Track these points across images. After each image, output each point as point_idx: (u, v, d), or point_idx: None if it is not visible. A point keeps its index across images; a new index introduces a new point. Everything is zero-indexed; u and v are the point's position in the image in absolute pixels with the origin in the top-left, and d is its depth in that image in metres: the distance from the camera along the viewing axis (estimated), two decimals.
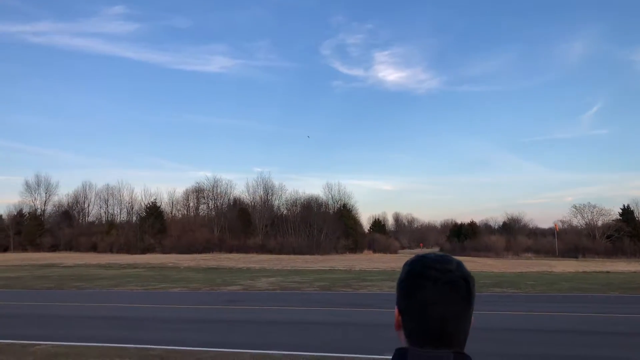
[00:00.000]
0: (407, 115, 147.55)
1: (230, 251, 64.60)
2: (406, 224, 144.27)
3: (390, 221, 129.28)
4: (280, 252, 61.89)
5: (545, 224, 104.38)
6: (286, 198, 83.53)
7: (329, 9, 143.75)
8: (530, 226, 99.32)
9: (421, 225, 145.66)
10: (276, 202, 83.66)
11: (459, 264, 1.27)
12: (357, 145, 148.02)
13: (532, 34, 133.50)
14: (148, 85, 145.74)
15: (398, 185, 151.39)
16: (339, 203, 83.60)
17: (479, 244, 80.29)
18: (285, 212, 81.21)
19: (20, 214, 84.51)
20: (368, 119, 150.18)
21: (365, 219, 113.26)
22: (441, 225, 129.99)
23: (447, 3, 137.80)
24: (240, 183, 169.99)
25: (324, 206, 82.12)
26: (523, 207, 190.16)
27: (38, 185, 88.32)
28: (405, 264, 1.30)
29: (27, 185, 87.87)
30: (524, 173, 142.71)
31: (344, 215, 79.23)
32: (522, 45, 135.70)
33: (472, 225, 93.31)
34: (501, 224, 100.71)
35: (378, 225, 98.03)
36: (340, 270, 34.70)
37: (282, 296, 18.98)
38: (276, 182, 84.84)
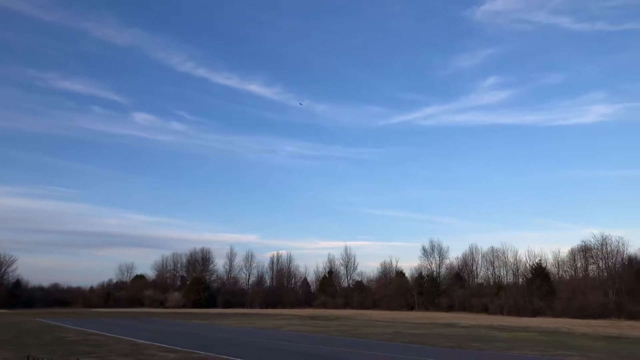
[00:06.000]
0: None
1: (632, 318, 57.32)
2: None
3: None
4: None
5: None
6: None
7: None
8: None
9: None
10: None
11: None
12: None
13: None
14: (524, 146, 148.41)
15: None
16: None
17: None
18: None
19: (420, 276, 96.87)
20: None
21: None
22: None
23: None
24: (634, 239, 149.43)
25: None
26: None
27: (432, 250, 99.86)
28: None
29: (424, 250, 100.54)
30: None
31: None
32: None
33: None
34: None
35: None
36: None
37: None
38: None
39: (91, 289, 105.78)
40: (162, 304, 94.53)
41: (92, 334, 30.62)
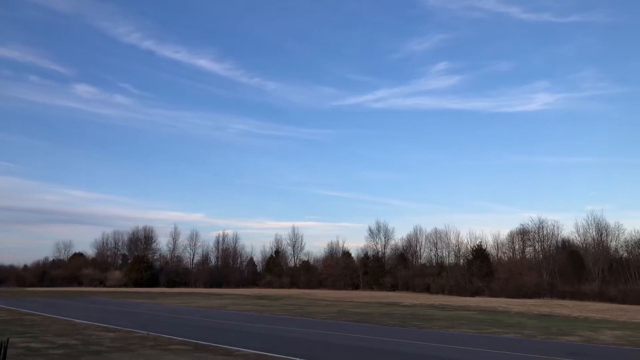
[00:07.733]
0: None
1: (562, 297, 60.64)
2: None
3: None
4: (623, 302, 54.87)
5: None
6: (625, 239, 73.40)
7: None
8: None
9: None
10: (613, 244, 74.45)
11: None
12: None
13: None
14: (471, 131, 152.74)
15: None
16: None
17: None
18: (625, 255, 71.53)
19: (366, 256, 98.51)
20: None
21: None
22: None
23: None
24: (568, 223, 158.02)
25: None
26: None
27: (378, 231, 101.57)
28: None
29: (370, 231, 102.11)
30: None
31: None
32: None
33: None
34: None
35: None
36: None
37: (633, 354, 17.25)
38: (611, 221, 75.27)
39: (25, 267, 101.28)
40: (102, 283, 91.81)
41: (26, 314, 29.23)
